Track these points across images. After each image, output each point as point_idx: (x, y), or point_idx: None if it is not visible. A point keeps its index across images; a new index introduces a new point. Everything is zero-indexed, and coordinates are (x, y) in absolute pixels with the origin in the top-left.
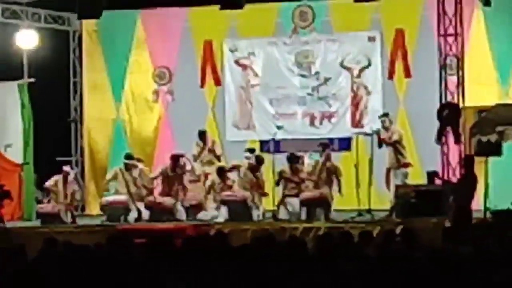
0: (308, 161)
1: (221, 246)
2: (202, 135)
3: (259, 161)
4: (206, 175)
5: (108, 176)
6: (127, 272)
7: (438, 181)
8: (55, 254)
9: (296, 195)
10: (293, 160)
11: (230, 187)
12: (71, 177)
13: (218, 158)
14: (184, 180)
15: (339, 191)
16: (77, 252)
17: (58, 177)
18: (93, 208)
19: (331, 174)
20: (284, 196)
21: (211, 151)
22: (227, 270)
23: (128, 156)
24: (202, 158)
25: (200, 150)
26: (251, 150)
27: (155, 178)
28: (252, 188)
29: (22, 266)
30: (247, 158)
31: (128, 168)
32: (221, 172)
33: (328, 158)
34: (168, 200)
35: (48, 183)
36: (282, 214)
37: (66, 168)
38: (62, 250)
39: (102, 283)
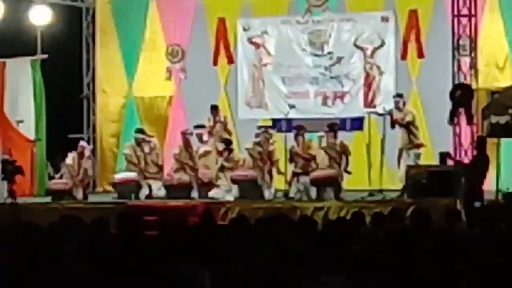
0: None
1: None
2: (214, 109)
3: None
4: (218, 152)
5: (126, 151)
6: (137, 250)
7: (450, 162)
8: (67, 230)
9: (306, 173)
10: (298, 131)
11: (242, 163)
12: (87, 152)
13: (229, 133)
14: (196, 159)
15: (346, 170)
16: (87, 228)
17: (74, 153)
18: (104, 185)
19: (340, 153)
20: (294, 174)
21: (223, 125)
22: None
23: (139, 130)
24: (214, 133)
25: (212, 125)
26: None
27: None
28: (262, 161)
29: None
30: (257, 135)
31: (139, 142)
32: (227, 143)
33: (334, 137)
34: (185, 176)
35: (68, 161)
36: (292, 192)
37: (83, 143)
38: (73, 226)
39: (113, 258)
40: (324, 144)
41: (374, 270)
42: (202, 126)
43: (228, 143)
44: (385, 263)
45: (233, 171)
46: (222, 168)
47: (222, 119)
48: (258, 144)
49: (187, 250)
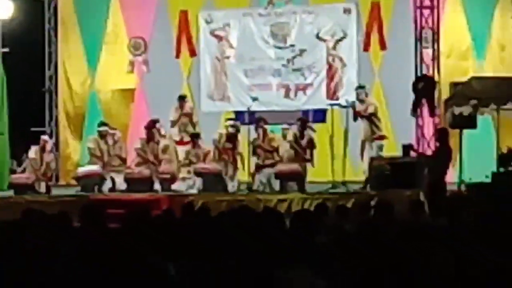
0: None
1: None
2: (181, 99)
3: (237, 129)
4: (181, 143)
5: (90, 144)
6: (101, 243)
7: (413, 154)
8: (31, 224)
9: (270, 165)
10: (258, 122)
11: (205, 157)
12: (48, 146)
13: (193, 125)
14: (159, 151)
15: (311, 163)
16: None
17: (37, 147)
18: (67, 179)
19: (306, 148)
20: (258, 166)
21: (188, 116)
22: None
23: (103, 123)
24: (180, 124)
25: (178, 116)
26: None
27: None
28: (227, 156)
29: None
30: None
31: (103, 135)
32: (195, 138)
33: (303, 131)
34: (145, 171)
35: (31, 155)
36: (256, 185)
37: (44, 137)
38: (38, 220)
39: (77, 252)
40: (290, 137)
41: (340, 261)
42: (157, 121)
43: (196, 137)
44: (351, 253)
45: (197, 163)
46: (186, 161)
47: (188, 110)
48: (226, 136)
49: (153, 243)
